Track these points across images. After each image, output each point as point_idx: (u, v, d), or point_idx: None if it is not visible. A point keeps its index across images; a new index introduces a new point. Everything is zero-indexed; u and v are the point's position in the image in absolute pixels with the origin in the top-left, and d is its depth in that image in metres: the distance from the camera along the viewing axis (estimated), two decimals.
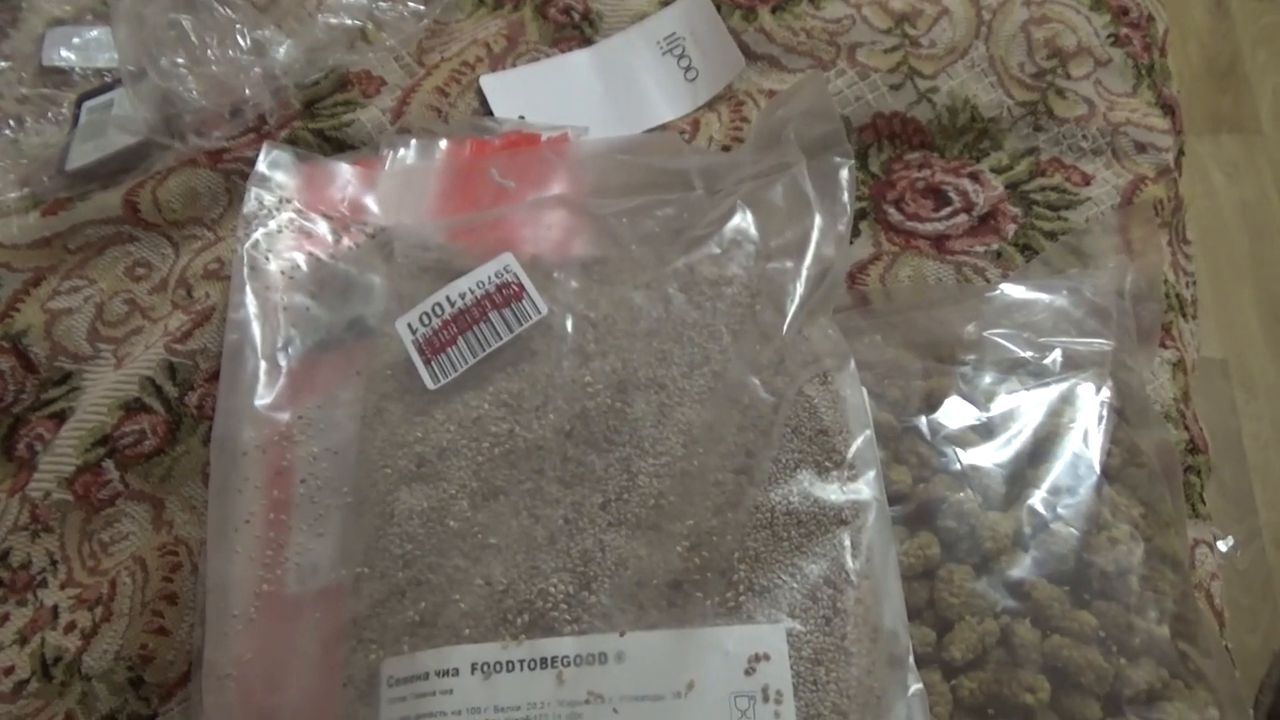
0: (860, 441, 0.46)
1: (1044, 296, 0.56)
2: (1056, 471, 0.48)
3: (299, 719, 0.46)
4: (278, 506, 0.50)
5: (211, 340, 0.63)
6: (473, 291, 0.50)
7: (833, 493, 0.44)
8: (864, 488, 0.45)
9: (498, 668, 0.42)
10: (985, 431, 0.50)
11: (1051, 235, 0.66)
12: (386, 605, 0.45)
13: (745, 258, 0.49)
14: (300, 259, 0.56)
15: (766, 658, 0.41)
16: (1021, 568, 0.47)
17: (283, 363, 0.53)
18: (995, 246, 0.65)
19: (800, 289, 0.48)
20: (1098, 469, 0.48)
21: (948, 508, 0.48)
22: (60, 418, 0.63)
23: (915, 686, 0.43)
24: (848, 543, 0.44)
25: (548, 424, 0.46)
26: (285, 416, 0.51)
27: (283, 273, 0.55)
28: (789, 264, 0.49)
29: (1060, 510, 0.47)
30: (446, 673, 0.42)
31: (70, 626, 0.57)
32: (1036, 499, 0.48)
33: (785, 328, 0.48)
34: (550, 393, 0.47)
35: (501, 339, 0.49)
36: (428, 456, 0.47)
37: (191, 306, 0.64)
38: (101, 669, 0.56)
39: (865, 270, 0.65)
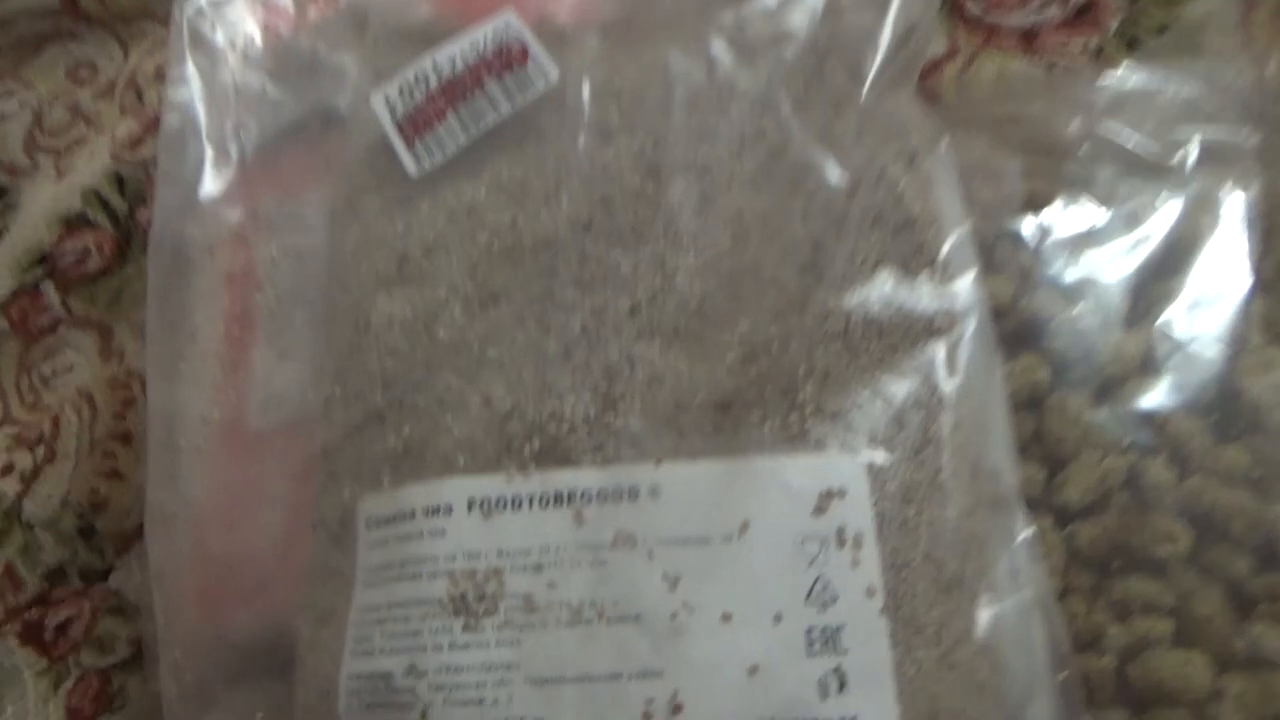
0: (956, 237, 0.36)
1: (1167, 85, 0.46)
2: (1193, 284, 0.39)
3: (262, 566, 0.38)
4: (231, 320, 0.41)
5: None
6: (464, 56, 0.40)
7: (922, 297, 0.35)
8: (960, 292, 0.36)
9: (501, 504, 0.33)
10: (1103, 237, 0.40)
11: (1162, 29, 0.55)
12: (363, 433, 0.36)
13: (809, 11, 0.39)
14: (255, 33, 0.46)
15: (841, 494, 0.32)
16: (1152, 396, 0.37)
17: (234, 152, 0.43)
18: (1095, 42, 0.55)
19: (882, 48, 0.38)
20: (1246, 281, 0.38)
21: (1057, 325, 0.39)
22: None
23: (1025, 532, 0.34)
24: (941, 357, 0.35)
25: (560, 215, 0.37)
26: (237, 214, 0.42)
27: (234, 47, 0.45)
28: (867, 18, 0.39)
29: (1199, 329, 0.38)
30: (437, 510, 0.34)
31: (8, 469, 0.49)
32: (1169, 315, 0.38)
33: (863, 95, 0.38)
34: (563, 177, 0.37)
35: (501, 113, 0.39)
36: (411, 254, 0.38)
37: (143, 112, 0.55)
38: (45, 516, 0.48)
39: (939, 69, 0.55)
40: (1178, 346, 0.38)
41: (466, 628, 0.32)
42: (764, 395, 0.33)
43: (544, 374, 0.35)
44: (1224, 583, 0.36)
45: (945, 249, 0.36)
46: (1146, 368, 0.38)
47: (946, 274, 0.36)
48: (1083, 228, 0.40)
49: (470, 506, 0.33)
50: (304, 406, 0.40)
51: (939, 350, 0.35)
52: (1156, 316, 0.39)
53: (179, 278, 0.41)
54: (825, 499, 0.32)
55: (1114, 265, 0.40)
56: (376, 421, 0.36)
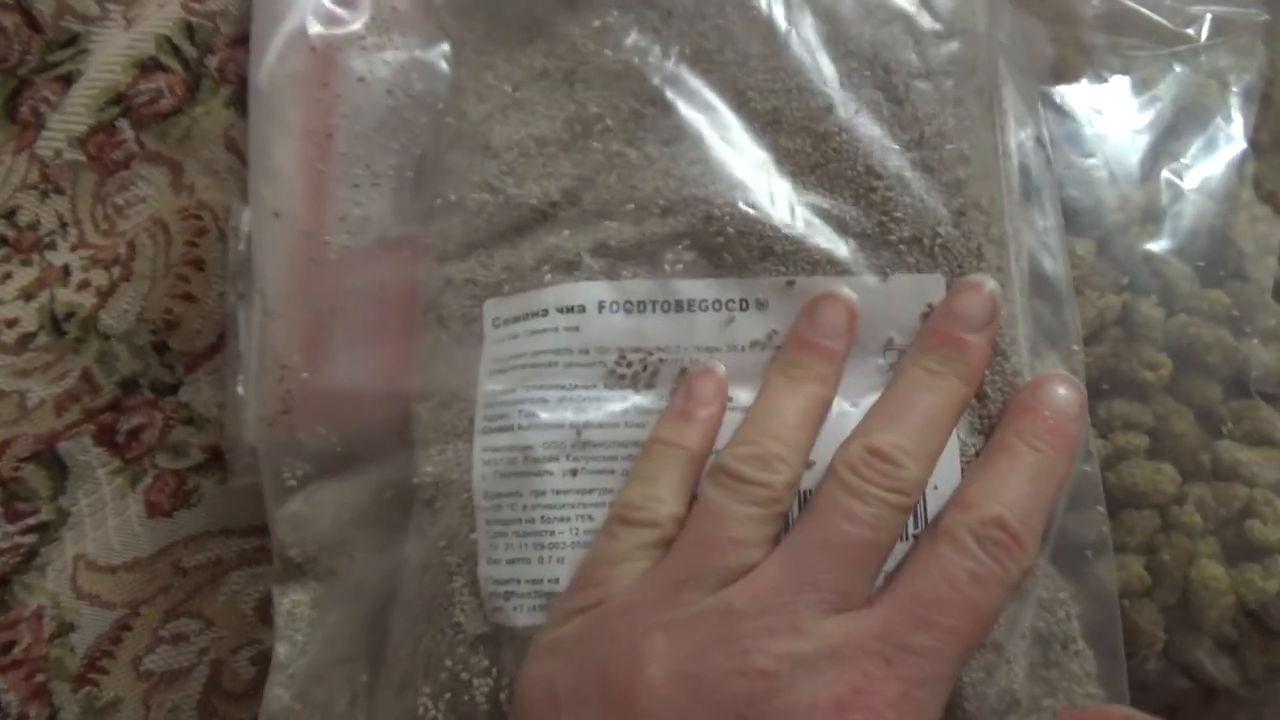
0: None
1: None
2: (1197, 145, 0.44)
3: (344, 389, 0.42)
4: (314, 140, 0.45)
5: (234, 2, 0.56)
6: None
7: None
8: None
9: (639, 306, 0.38)
10: (1119, 100, 0.45)
11: None
12: (494, 240, 0.40)
13: None
14: None
15: None
16: (1150, 243, 0.43)
17: None
18: None
19: None
20: (1243, 143, 0.44)
21: (1072, 174, 0.44)
22: (67, 80, 0.56)
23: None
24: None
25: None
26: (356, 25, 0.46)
27: None
28: None
29: (1197, 185, 0.43)
30: (570, 309, 0.38)
31: (84, 284, 0.53)
32: (1172, 171, 0.44)
33: None
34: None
35: None
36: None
37: None
38: (122, 329, 0.52)
39: None
40: (1177, 199, 0.44)
41: (598, 405, 0.37)
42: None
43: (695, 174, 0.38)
44: (1196, 407, 0.42)
45: None
46: (1149, 216, 0.44)
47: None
48: (1103, 89, 0.45)
49: (601, 306, 0.38)
50: (389, 229, 0.44)
51: None
52: (1160, 172, 0.44)
53: (289, 85, 0.45)
54: None
55: (1129, 124, 0.45)
56: (501, 233, 0.40)
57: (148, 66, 0.55)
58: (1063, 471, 0.34)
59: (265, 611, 0.49)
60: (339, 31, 0.46)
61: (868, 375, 0.37)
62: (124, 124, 0.55)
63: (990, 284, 0.36)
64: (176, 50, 0.55)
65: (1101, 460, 0.41)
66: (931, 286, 0.37)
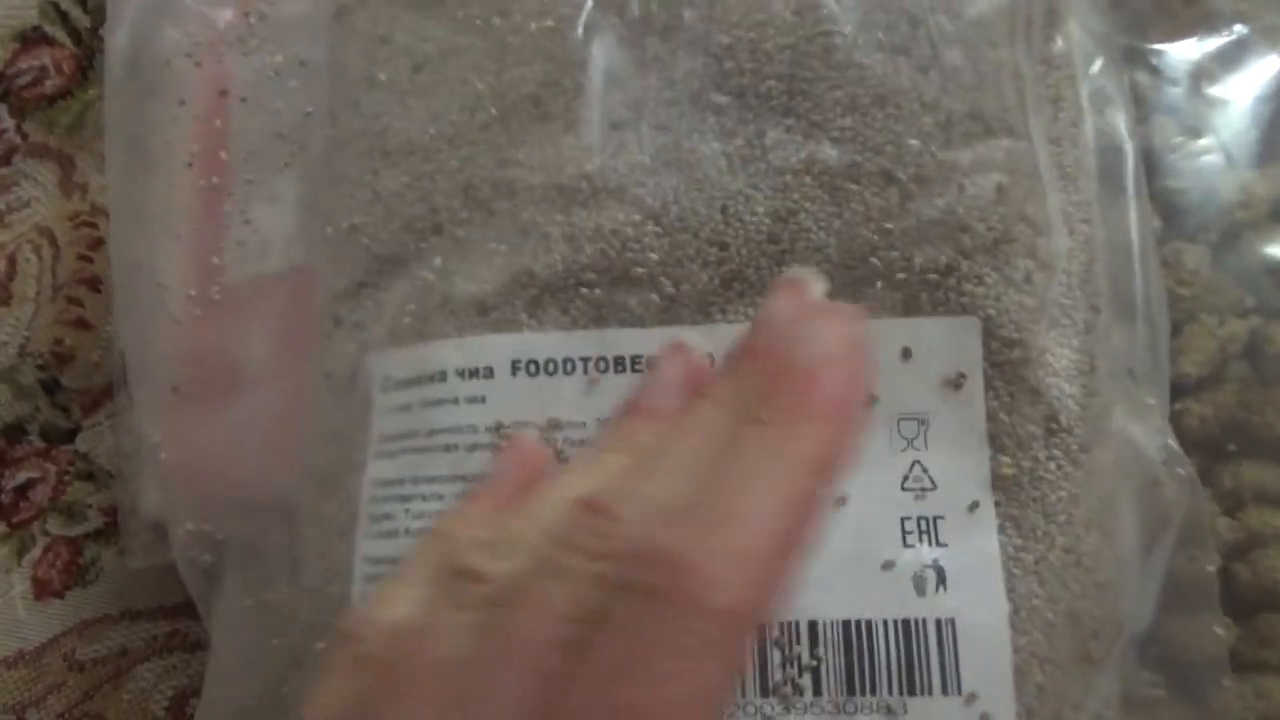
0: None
1: None
2: None
3: (250, 445, 0.33)
4: (208, 150, 0.35)
5: None
6: None
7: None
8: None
9: (551, 367, 0.28)
10: (1233, 60, 0.34)
11: None
12: (381, 275, 0.30)
13: None
14: None
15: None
16: None
17: None
18: None
19: None
20: None
21: (1175, 159, 0.33)
22: None
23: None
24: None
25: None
26: (227, 14, 0.36)
27: None
28: None
29: None
30: (475, 372, 0.28)
31: None
32: None
33: None
34: None
35: None
36: (430, 56, 0.31)
37: None
38: (2, 366, 0.43)
39: None
40: None
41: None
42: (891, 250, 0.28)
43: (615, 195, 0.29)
44: None
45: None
46: (1278, 213, 0.33)
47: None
48: (1215, 45, 0.34)
49: (515, 368, 0.28)
50: (293, 256, 0.35)
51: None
52: None
53: (158, 96, 0.35)
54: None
55: (1248, 91, 0.34)
56: (395, 263, 0.30)
57: (29, 39, 0.46)
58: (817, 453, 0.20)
59: (181, 711, 0.41)
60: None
61: (879, 464, 0.27)
62: (2, 110, 0.46)
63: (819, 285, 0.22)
64: (65, 18, 0.46)
65: (1227, 547, 0.32)
66: (960, 333, 0.28)
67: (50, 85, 0.46)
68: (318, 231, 0.32)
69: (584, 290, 0.28)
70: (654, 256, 0.28)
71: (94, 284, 0.44)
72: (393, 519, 0.28)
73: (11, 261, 0.44)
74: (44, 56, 0.46)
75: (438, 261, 0.29)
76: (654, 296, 0.28)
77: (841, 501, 0.27)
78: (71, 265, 0.44)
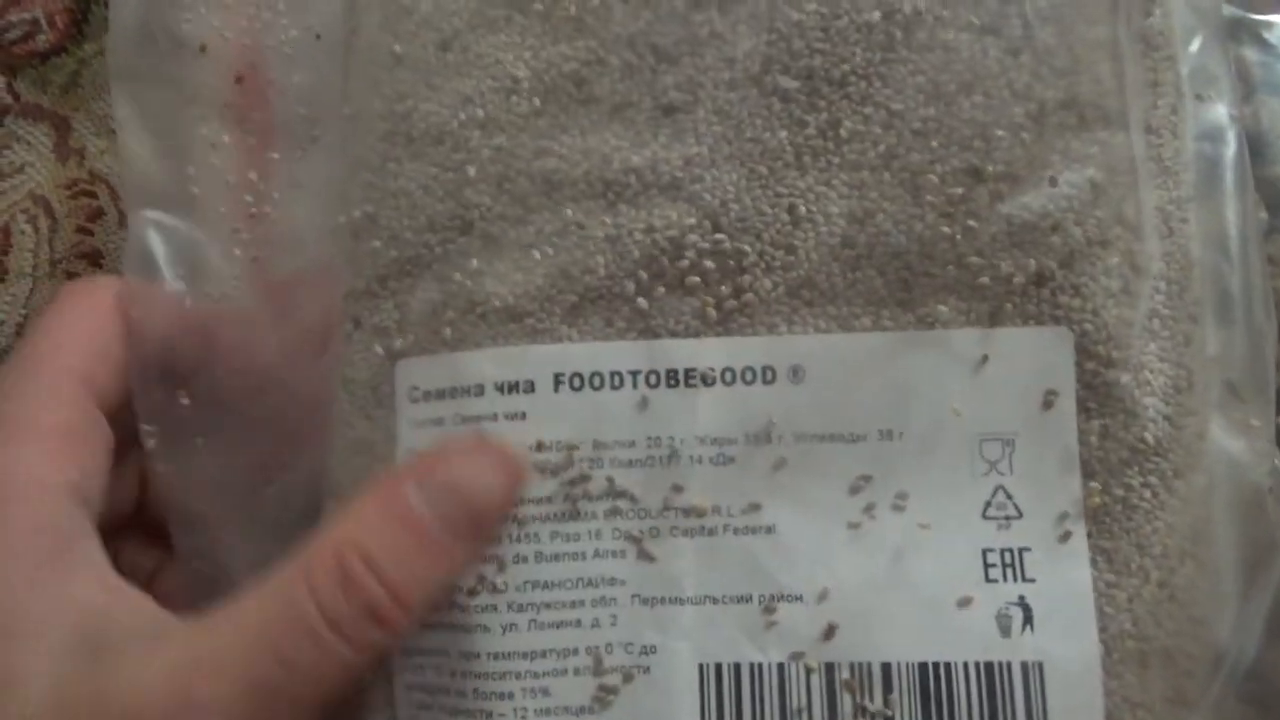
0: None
1: None
2: None
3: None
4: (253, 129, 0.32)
5: None
6: None
7: None
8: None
9: (598, 381, 0.26)
10: None
11: None
12: (403, 274, 0.28)
13: None
14: None
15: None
16: None
17: None
18: None
19: None
20: None
21: None
22: None
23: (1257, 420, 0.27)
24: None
25: None
26: None
27: None
28: None
29: None
30: (516, 386, 0.26)
31: None
32: None
33: None
34: None
35: None
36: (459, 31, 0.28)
37: None
38: None
39: None
40: None
41: (557, 535, 0.26)
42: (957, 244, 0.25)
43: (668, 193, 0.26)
44: None
45: None
46: None
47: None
48: None
49: (558, 382, 0.26)
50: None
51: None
52: None
53: (187, 77, 0.32)
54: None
55: None
56: (419, 263, 0.27)
57: None
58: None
59: None
60: None
61: (957, 488, 0.25)
62: None
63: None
64: None
65: None
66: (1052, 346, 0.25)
67: (42, 40, 0.43)
68: (333, 222, 0.29)
69: (631, 297, 0.26)
70: (710, 263, 0.26)
71: (94, 258, 0.42)
72: None
73: (5, 233, 0.42)
74: (35, 8, 0.43)
75: (472, 263, 0.27)
76: (710, 306, 0.26)
77: (905, 529, 0.25)
78: (70, 238, 0.42)
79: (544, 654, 0.25)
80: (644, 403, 0.26)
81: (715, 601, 0.25)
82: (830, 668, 0.24)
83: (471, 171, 0.27)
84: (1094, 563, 0.25)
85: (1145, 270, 0.26)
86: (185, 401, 0.30)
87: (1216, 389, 0.27)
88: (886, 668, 0.24)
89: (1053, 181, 0.25)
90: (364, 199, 0.28)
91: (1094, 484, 0.25)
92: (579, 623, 0.25)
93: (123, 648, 0.25)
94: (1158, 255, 0.26)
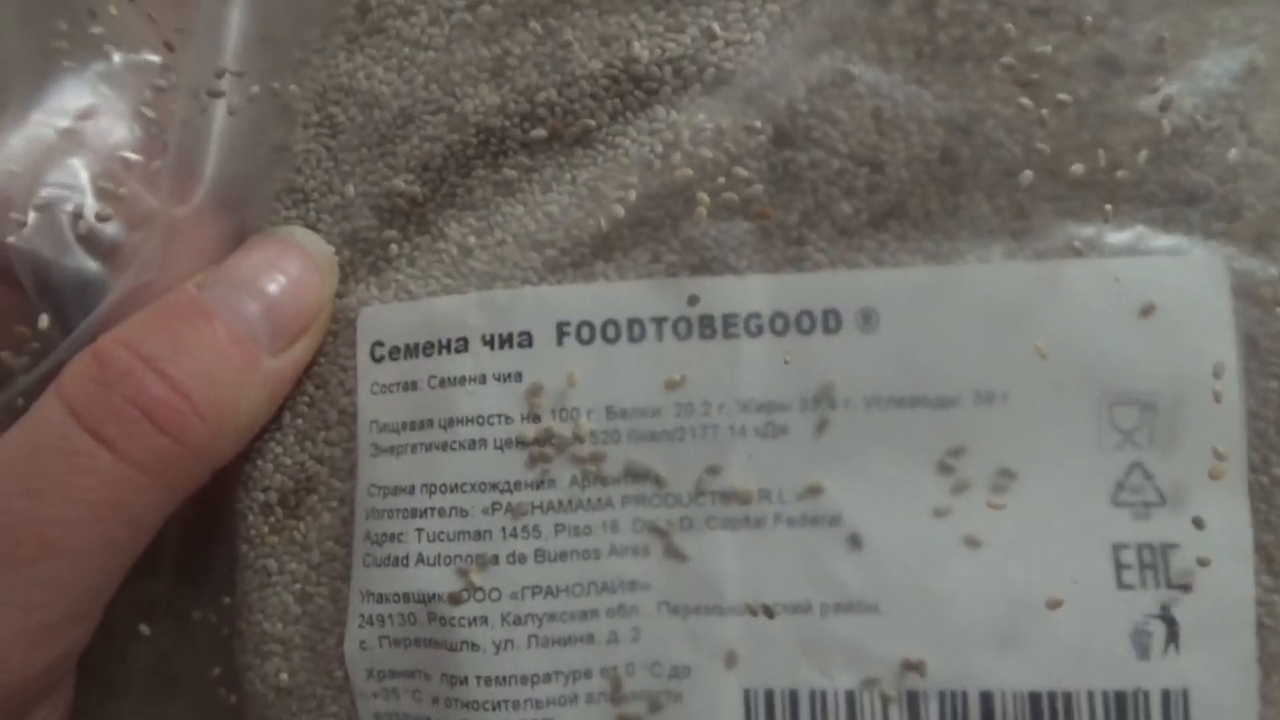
0: None
1: None
2: None
3: None
4: None
5: None
6: None
7: None
8: None
9: (611, 332, 0.20)
10: None
11: None
12: (365, 201, 0.22)
13: None
14: None
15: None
16: None
17: None
18: None
19: None
20: None
21: None
22: None
23: None
24: None
25: None
26: None
27: None
28: None
29: None
30: (508, 339, 0.20)
31: None
32: None
33: None
34: None
35: None
36: None
37: None
38: None
39: None
40: None
41: (562, 527, 0.20)
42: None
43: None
44: None
45: None
46: None
47: None
48: None
49: (562, 334, 0.20)
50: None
51: None
52: None
53: None
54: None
55: None
56: (382, 169, 0.22)
57: None
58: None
59: None
60: None
61: (1078, 465, 0.19)
62: None
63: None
64: None
65: None
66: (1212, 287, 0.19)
67: None
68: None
69: (663, 227, 0.20)
70: (770, 183, 0.20)
71: None
72: (401, 541, 0.20)
73: None
74: None
75: (462, 186, 0.21)
76: (771, 236, 0.20)
77: (1008, 517, 0.19)
78: None
79: (548, 678, 0.20)
80: (672, 359, 0.20)
81: (765, 612, 0.19)
82: (914, 697, 0.19)
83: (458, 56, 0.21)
84: (1260, 556, 0.19)
85: None
86: None
87: None
88: (987, 698, 0.19)
89: (1204, 75, 0.20)
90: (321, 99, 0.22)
91: (1253, 458, 0.19)
92: (592, 638, 0.20)
93: None
94: None
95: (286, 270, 0.21)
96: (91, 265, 0.22)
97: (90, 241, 0.22)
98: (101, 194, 0.22)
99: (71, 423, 0.19)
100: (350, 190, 0.22)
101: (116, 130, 0.23)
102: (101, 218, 0.22)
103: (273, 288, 0.21)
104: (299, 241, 0.21)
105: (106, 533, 0.19)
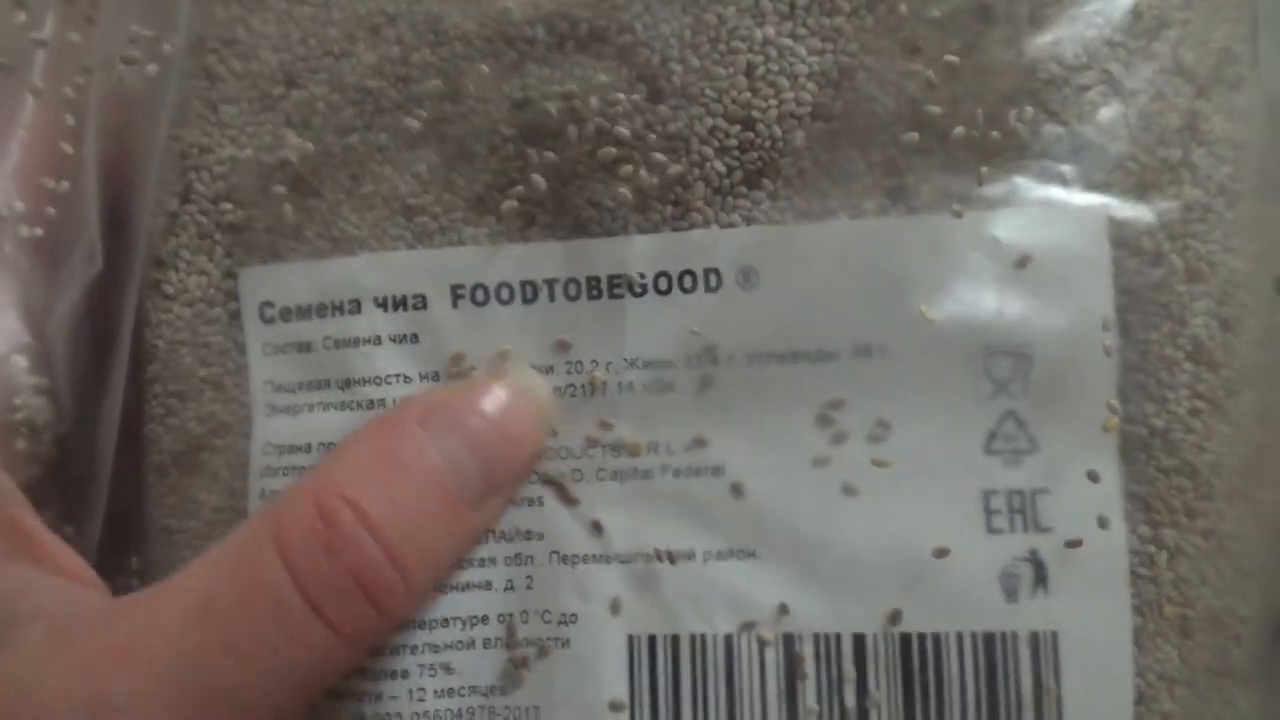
0: None
1: None
2: None
3: None
4: None
5: None
6: None
7: None
8: None
9: (504, 292, 0.21)
10: None
11: None
12: (249, 145, 0.22)
13: None
14: None
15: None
16: None
17: None
18: None
19: None
20: None
21: None
22: None
23: None
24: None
25: None
26: None
27: None
28: None
29: None
30: (403, 302, 0.21)
31: None
32: None
33: None
34: None
35: None
36: None
37: None
38: None
39: None
40: None
41: None
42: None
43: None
44: None
45: None
46: None
47: None
48: None
49: (457, 296, 0.21)
50: None
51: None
52: None
53: None
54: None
55: None
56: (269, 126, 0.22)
57: None
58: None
59: None
60: None
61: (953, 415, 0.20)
62: None
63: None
64: None
65: None
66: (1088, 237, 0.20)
67: None
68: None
69: (543, 188, 0.21)
70: (652, 137, 0.20)
71: None
72: None
73: None
74: None
75: (341, 143, 0.21)
76: (645, 195, 0.20)
77: (884, 466, 0.20)
78: None
79: (446, 623, 0.21)
80: (562, 318, 0.21)
81: (649, 559, 0.20)
82: (790, 640, 0.20)
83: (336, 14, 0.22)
84: (1126, 511, 0.20)
85: (1207, 134, 0.20)
86: None
87: None
88: (859, 640, 0.20)
89: (1086, 19, 0.20)
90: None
91: (1129, 409, 0.20)
92: (489, 585, 0.21)
93: (27, 634, 0.19)
94: (1224, 112, 0.20)
95: (512, 423, 0.20)
96: None
97: None
98: None
99: (293, 591, 0.18)
100: (227, 147, 0.22)
101: None
102: None
103: (497, 444, 0.20)
104: (529, 388, 0.21)
105: (303, 699, 0.19)
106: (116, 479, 0.23)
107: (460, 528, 0.20)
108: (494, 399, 0.20)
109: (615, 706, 0.20)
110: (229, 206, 0.22)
